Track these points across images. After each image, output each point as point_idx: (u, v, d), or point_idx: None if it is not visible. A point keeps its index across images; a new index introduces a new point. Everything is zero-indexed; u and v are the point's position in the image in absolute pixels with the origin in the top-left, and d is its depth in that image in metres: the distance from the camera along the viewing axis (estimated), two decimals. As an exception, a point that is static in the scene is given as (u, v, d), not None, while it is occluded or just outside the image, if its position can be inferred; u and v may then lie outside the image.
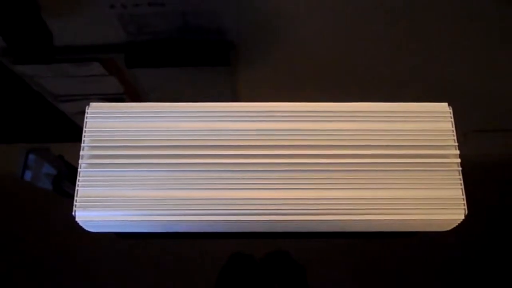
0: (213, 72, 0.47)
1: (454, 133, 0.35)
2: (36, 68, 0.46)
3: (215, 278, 0.37)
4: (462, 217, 0.33)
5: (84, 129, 0.34)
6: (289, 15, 0.49)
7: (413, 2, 0.50)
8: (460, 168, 0.34)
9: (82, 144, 0.34)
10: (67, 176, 0.39)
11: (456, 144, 0.34)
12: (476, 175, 0.37)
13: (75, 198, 0.32)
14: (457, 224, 0.34)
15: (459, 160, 0.34)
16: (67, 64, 0.46)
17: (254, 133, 0.34)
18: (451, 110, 0.35)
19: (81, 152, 0.34)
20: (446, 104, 0.36)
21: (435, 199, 0.33)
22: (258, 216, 0.32)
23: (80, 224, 0.33)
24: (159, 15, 0.48)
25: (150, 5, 0.48)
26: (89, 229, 0.34)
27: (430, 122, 0.35)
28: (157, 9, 0.48)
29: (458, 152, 0.34)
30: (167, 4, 0.48)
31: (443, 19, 0.49)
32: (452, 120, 0.35)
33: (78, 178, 0.33)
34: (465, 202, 0.33)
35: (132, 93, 0.46)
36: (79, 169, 0.33)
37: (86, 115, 0.34)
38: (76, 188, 0.33)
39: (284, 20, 0.49)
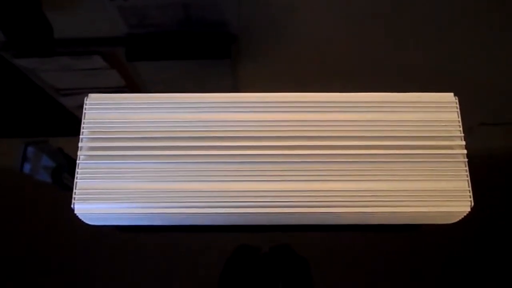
0: (214, 64, 0.47)
1: (460, 124, 0.34)
2: (37, 61, 0.46)
3: (216, 270, 0.37)
4: (468, 209, 0.32)
5: (82, 120, 0.34)
6: (290, 8, 0.49)
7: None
8: (466, 160, 0.33)
9: (80, 136, 0.33)
10: (66, 168, 0.38)
11: (462, 135, 0.34)
12: (482, 167, 0.36)
13: (73, 190, 0.32)
14: (463, 216, 0.33)
15: (465, 151, 0.33)
16: (67, 57, 0.46)
17: (256, 124, 0.34)
18: (457, 100, 0.35)
19: (80, 144, 0.33)
20: (452, 94, 0.35)
21: (441, 191, 0.32)
22: (258, 209, 0.32)
23: (79, 216, 0.33)
24: (160, 8, 0.48)
25: (151, -3, 0.48)
26: (88, 222, 0.34)
27: (436, 113, 0.34)
28: (158, 1, 0.48)
29: (464, 143, 0.33)
30: (168, -4, 0.48)
31: (451, 10, 0.49)
32: (458, 110, 0.34)
33: (76, 170, 0.33)
34: (471, 194, 0.32)
35: (133, 86, 0.46)
36: (77, 161, 0.33)
37: (84, 106, 0.34)
38: (75, 180, 0.32)
39: (285, 13, 0.49)
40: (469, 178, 0.33)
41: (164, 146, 0.33)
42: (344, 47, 0.47)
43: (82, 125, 0.34)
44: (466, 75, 0.45)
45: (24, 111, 0.45)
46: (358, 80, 0.45)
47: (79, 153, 0.33)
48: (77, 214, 0.32)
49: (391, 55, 0.47)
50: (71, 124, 0.43)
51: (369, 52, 0.46)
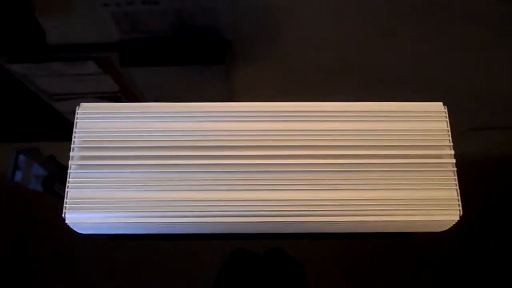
0: (209, 70, 0.47)
1: (449, 133, 0.34)
2: (30, 67, 0.46)
3: (209, 277, 0.37)
4: (457, 218, 0.33)
5: (74, 129, 0.34)
6: (285, 13, 0.49)
7: (410, 2, 0.50)
8: (455, 169, 0.33)
9: (72, 145, 0.33)
10: (58, 177, 0.38)
11: (451, 144, 0.34)
12: (471, 175, 0.37)
13: (65, 200, 0.32)
14: (452, 225, 0.34)
15: (454, 161, 0.33)
16: (61, 63, 0.46)
17: (249, 133, 0.34)
18: (446, 110, 0.35)
19: (71, 153, 0.33)
20: (441, 103, 0.35)
21: (430, 200, 0.33)
22: (251, 218, 0.32)
23: (70, 226, 0.33)
24: (153, 13, 0.48)
25: (144, 3, 0.47)
26: (79, 231, 0.34)
27: (425, 122, 0.34)
28: (151, 7, 0.48)
29: (453, 152, 0.34)
30: (162, 2, 0.48)
31: (439, 18, 0.49)
32: (447, 120, 0.35)
33: (68, 179, 0.33)
34: (460, 203, 0.33)
35: (127, 91, 0.46)
36: (69, 170, 0.33)
37: (76, 115, 0.34)
38: (66, 189, 0.32)
39: (280, 19, 0.49)
40: (458, 187, 0.33)
41: (156, 155, 0.33)
42: (337, 55, 0.47)
43: (73, 134, 0.34)
44: (455, 81, 0.45)
45: (17, 116, 0.45)
46: (350, 89, 0.45)
47: (70, 162, 0.33)
48: (68, 224, 0.32)
49: (380, 64, 0.47)
50: (64, 130, 0.43)
51: (359, 62, 0.47)
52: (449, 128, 0.34)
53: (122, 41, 0.47)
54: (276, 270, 0.37)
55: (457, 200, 0.33)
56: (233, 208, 0.32)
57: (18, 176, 0.38)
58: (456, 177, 0.33)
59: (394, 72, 0.46)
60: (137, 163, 0.33)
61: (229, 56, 0.46)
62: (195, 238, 0.37)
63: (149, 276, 0.37)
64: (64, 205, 0.32)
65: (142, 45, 0.47)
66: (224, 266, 0.37)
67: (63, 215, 0.32)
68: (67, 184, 0.32)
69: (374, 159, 0.33)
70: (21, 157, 0.39)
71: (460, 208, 0.32)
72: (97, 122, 0.34)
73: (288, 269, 0.37)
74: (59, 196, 0.37)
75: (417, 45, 0.48)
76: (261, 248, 0.38)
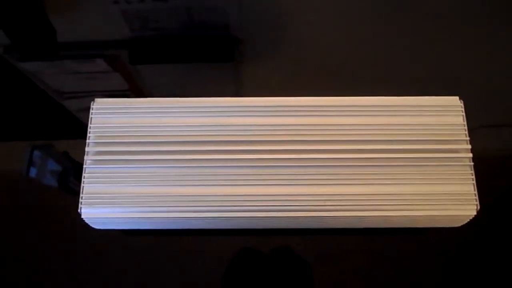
0: (218, 68, 0.47)
1: (466, 127, 0.34)
2: (40, 65, 0.46)
3: (221, 274, 0.37)
4: (474, 212, 0.32)
5: (89, 125, 0.34)
6: (294, 10, 0.49)
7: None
8: (472, 163, 0.33)
9: (87, 140, 0.33)
10: (72, 172, 0.38)
11: (468, 138, 0.34)
12: (488, 170, 0.36)
13: (80, 195, 0.32)
14: (469, 220, 0.33)
15: (470, 155, 0.33)
16: (71, 61, 0.46)
17: (260, 128, 0.34)
18: (462, 104, 0.35)
19: (86, 148, 0.33)
20: (457, 97, 0.35)
21: (447, 195, 0.32)
22: (263, 213, 0.32)
23: (86, 221, 0.33)
24: (163, 11, 0.48)
25: (154, 0, 0.47)
26: (94, 226, 0.34)
27: (441, 116, 0.34)
28: (161, 4, 0.48)
29: (469, 146, 0.33)
30: (171, 0, 0.48)
31: (455, 12, 0.49)
32: (464, 114, 0.34)
33: (83, 174, 0.33)
34: (477, 197, 0.32)
35: (136, 89, 0.46)
36: (84, 166, 0.33)
37: (91, 111, 0.34)
38: (82, 184, 0.32)
39: (289, 15, 0.49)
40: (475, 182, 0.33)
41: (170, 150, 0.33)
42: (348, 50, 0.47)
43: (88, 130, 0.34)
44: (471, 75, 0.45)
45: (28, 115, 0.45)
46: (362, 84, 0.45)
47: (85, 157, 0.33)
48: (84, 219, 0.32)
49: (396, 58, 0.47)
50: (75, 128, 0.43)
51: (373, 56, 0.47)
52: (465, 122, 0.34)
53: (132, 38, 0.47)
54: (283, 269, 0.37)
55: (474, 195, 0.32)
56: (246, 203, 0.32)
57: (33, 172, 0.39)
58: (473, 172, 0.33)
59: (410, 66, 0.46)
60: (153, 158, 0.33)
61: (238, 53, 0.46)
62: (209, 233, 0.37)
63: (163, 271, 0.37)
64: (80, 200, 0.32)
65: (152, 43, 0.47)
66: (231, 265, 0.37)
67: (79, 210, 0.32)
68: (82, 179, 0.32)
69: (390, 154, 0.33)
70: (36, 153, 0.39)
71: (477, 202, 0.32)
72: (112, 118, 0.34)
73: (295, 268, 0.37)
74: (74, 192, 0.37)
75: (434, 38, 0.47)
76: (274, 243, 0.38)
